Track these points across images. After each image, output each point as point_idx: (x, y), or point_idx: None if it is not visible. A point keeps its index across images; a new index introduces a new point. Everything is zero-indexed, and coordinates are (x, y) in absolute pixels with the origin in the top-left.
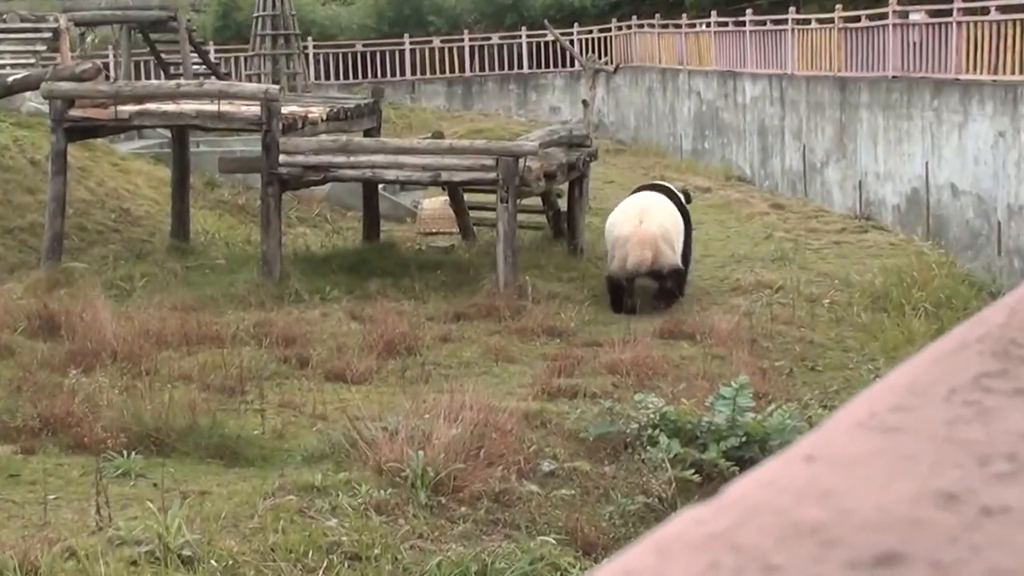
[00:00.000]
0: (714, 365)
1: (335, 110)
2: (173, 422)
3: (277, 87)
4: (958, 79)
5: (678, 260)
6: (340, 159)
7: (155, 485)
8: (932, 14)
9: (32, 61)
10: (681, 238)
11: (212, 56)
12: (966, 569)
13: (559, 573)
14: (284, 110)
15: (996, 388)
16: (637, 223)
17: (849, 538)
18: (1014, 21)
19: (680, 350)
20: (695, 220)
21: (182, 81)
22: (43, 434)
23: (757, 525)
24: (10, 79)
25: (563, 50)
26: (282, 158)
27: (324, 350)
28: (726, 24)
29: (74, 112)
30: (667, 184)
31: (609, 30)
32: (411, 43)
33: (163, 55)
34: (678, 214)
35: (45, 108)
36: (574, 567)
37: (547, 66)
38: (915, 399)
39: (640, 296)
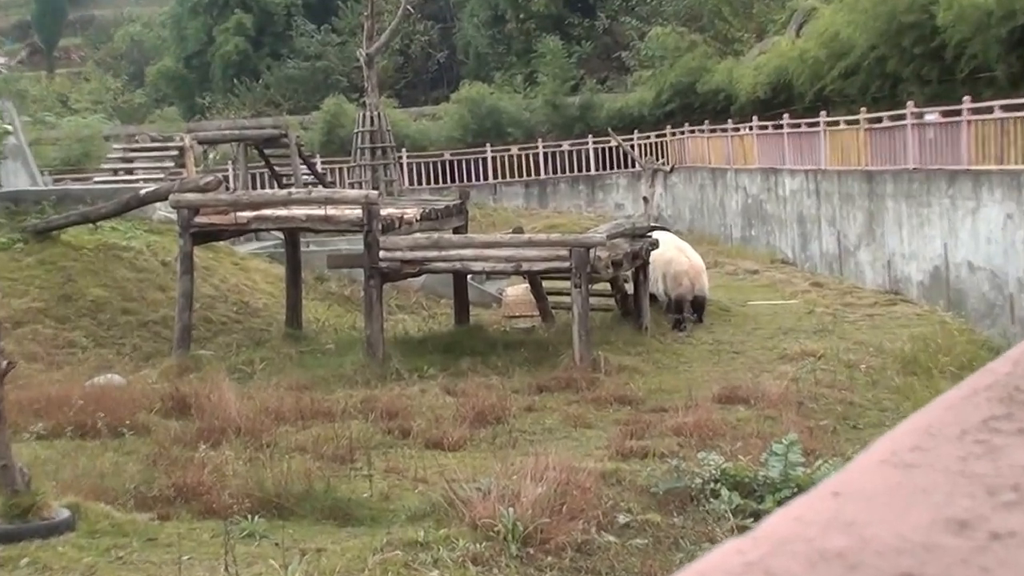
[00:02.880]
0: (766, 425)
1: (427, 211)
2: (291, 488)
3: (376, 193)
4: (970, 169)
5: None
6: (433, 254)
7: (276, 544)
8: (945, 114)
9: (161, 175)
10: None
11: (319, 167)
12: None
13: None
14: (383, 213)
15: (1002, 429)
16: (686, 259)
17: (870, 562)
18: (1016, 119)
19: (736, 413)
20: (743, 299)
21: (293, 190)
22: (177, 502)
23: (788, 553)
24: (143, 191)
25: (625, 154)
26: (382, 254)
27: (423, 421)
28: (766, 127)
29: (199, 219)
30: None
31: (665, 135)
32: (492, 151)
33: (276, 167)
34: None
35: (173, 216)
36: None
37: (611, 168)
38: (931, 440)
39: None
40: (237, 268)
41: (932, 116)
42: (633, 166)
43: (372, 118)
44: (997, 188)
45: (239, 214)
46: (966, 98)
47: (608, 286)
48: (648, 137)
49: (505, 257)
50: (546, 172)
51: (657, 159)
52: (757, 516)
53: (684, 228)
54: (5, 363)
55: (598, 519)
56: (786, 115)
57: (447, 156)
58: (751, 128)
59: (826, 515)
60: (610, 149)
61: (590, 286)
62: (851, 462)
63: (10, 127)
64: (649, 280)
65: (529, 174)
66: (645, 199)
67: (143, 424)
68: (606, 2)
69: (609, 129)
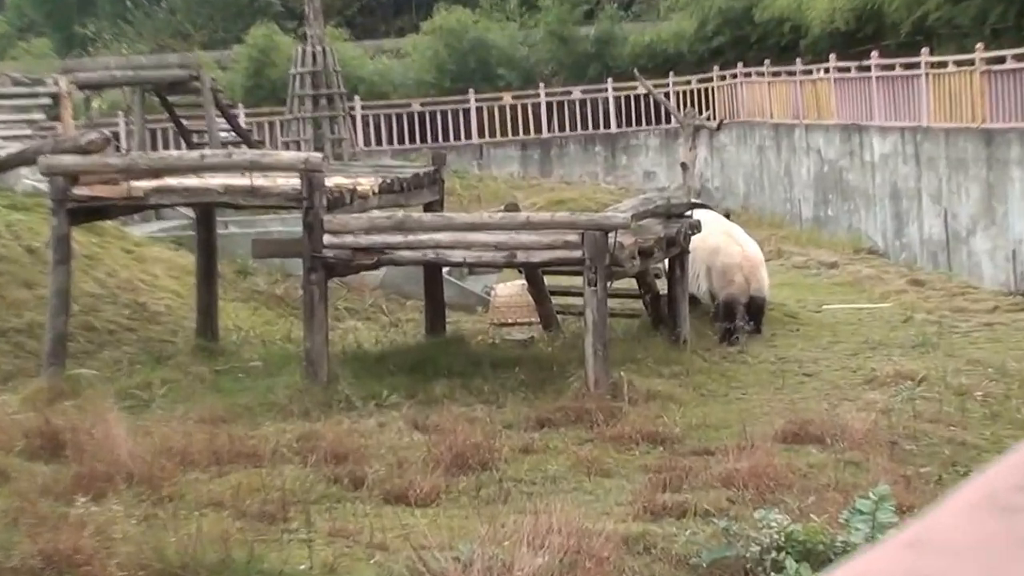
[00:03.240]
0: (848, 473)
1: (389, 181)
2: (202, 557)
3: (320, 155)
4: None
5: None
6: (396, 239)
7: None
8: None
9: (28, 132)
10: None
11: (242, 121)
12: None
13: None
14: (328, 182)
15: None
16: (738, 248)
17: None
18: None
19: (807, 456)
20: (816, 301)
21: (207, 151)
22: (46, 574)
23: None
24: (2, 153)
25: (657, 104)
26: (327, 239)
27: (382, 467)
28: (848, 70)
29: (79, 190)
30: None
31: (711, 80)
32: (477, 100)
33: (184, 121)
34: None
35: (44, 186)
36: None
37: (638, 124)
38: None
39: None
40: (130, 258)
41: None
42: (668, 121)
43: (314, 55)
44: None
45: (134, 184)
46: None
47: (634, 284)
48: (688, 82)
49: (494, 244)
50: (550, 129)
51: (700, 112)
52: None
53: (736, 205)
54: None
55: None
56: (875, 53)
57: (416, 107)
58: (827, 71)
59: (899, 573)
60: (636, 98)
61: (610, 284)
62: (935, 506)
63: None
64: (689, 276)
65: (527, 131)
66: (684, 166)
67: (0, 469)
68: None
69: (636, 71)
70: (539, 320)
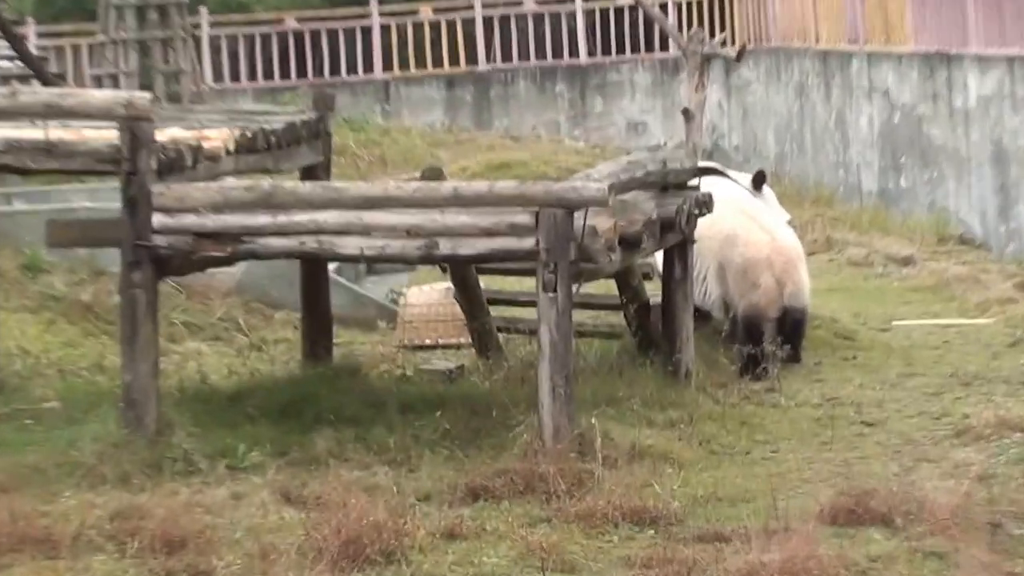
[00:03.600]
0: (928, 570)
1: (250, 135)
2: None
3: (148, 96)
4: None
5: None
6: (261, 220)
7: None
8: None
9: None
10: None
11: (33, 45)
12: None
13: None
14: (160, 136)
15: None
16: (764, 235)
17: None
18: None
19: (868, 543)
20: (882, 316)
21: None
22: None
23: None
24: None
25: (649, 22)
26: (158, 220)
27: (237, 558)
28: None
29: None
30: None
31: None
32: (382, 15)
33: None
34: None
35: None
36: None
37: (620, 51)
38: None
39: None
40: None
41: None
42: (664, 48)
43: None
44: None
45: None
46: None
47: (613, 288)
48: None
49: (405, 228)
50: (490, 58)
51: (711, 34)
52: None
53: (766, 170)
54: None
55: None
56: None
57: (290, 23)
58: None
59: None
60: (618, 13)
61: (577, 288)
62: None
63: None
64: (694, 277)
65: (455, 62)
66: (687, 113)
67: None
68: None
69: None
70: (471, 341)
